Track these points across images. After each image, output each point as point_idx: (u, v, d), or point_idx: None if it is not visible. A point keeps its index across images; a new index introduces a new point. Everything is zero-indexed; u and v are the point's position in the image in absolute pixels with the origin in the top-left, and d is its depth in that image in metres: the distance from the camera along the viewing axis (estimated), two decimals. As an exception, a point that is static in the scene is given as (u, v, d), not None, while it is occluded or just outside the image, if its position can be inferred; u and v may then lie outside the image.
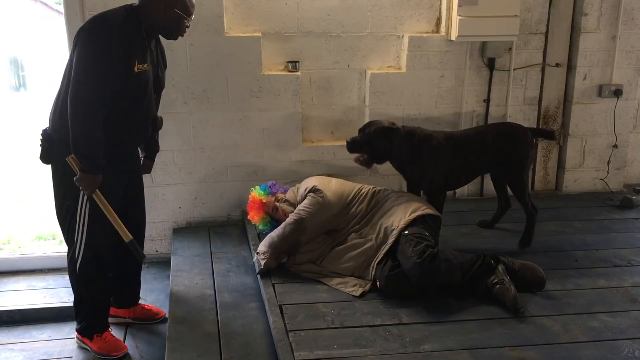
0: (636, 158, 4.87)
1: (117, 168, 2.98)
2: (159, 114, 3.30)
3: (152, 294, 3.78)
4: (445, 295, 3.02)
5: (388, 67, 4.31)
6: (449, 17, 4.17)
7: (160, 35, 3.05)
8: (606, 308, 2.97)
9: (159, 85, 3.17)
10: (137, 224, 3.25)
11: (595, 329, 2.79)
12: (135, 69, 2.83)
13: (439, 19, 4.27)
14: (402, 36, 4.25)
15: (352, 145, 3.51)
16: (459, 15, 4.04)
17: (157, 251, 4.25)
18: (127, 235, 2.95)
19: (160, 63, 3.13)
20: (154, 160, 3.41)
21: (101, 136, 2.77)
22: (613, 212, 4.30)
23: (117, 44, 2.75)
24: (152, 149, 3.36)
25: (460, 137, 3.61)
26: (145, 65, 2.90)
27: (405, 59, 4.24)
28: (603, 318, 2.88)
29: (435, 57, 4.25)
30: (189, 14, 2.93)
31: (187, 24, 2.96)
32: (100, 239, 3.00)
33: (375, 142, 3.43)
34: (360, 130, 3.53)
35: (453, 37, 4.12)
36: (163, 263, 4.14)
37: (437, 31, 4.28)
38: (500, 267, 3.03)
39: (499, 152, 3.55)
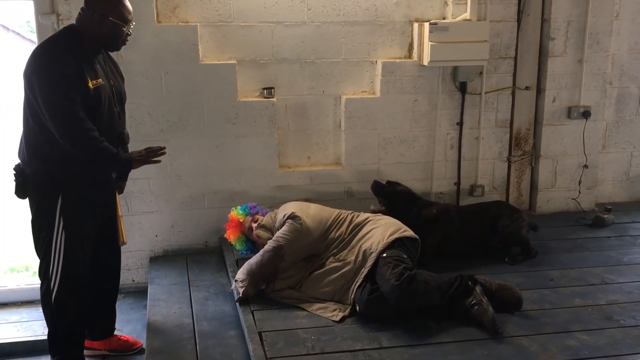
0: (606, 177, 4.98)
1: (93, 188, 2.98)
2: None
3: (128, 325, 3.72)
4: (424, 318, 3.04)
5: (362, 92, 4.37)
6: (420, 43, 4.25)
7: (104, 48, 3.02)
8: (582, 326, 3.01)
9: (120, 97, 3.08)
10: (112, 247, 3.26)
11: (573, 347, 2.82)
12: (90, 85, 2.80)
13: (411, 45, 4.35)
14: (376, 62, 4.32)
15: (376, 188, 3.92)
16: (430, 41, 4.13)
17: (133, 280, 4.19)
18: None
19: (115, 75, 3.09)
20: (125, 180, 3.36)
21: (104, 140, 2.82)
22: (586, 231, 4.38)
23: (66, 64, 2.74)
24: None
25: (467, 211, 4.00)
26: (100, 80, 2.86)
27: (379, 84, 4.30)
28: (580, 336, 2.91)
29: (409, 81, 4.33)
30: (124, 20, 2.88)
31: (127, 31, 2.92)
32: (75, 270, 2.96)
33: (397, 200, 3.85)
34: (389, 182, 3.98)
35: (425, 62, 4.20)
36: (140, 292, 4.08)
37: (410, 56, 4.36)
38: (478, 288, 3.06)
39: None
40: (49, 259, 2.93)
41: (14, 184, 2.92)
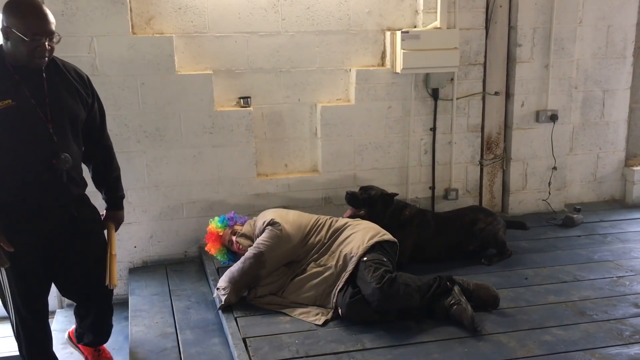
0: (574, 179, 5.14)
1: (20, 228, 2.69)
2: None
3: (110, 337, 3.70)
4: (405, 319, 3.10)
5: (337, 99, 4.44)
6: (393, 51, 4.35)
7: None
8: (557, 322, 3.11)
9: (59, 116, 2.69)
10: (83, 290, 3.00)
11: (549, 342, 2.91)
12: None
13: (383, 53, 4.44)
14: (350, 70, 4.40)
15: (351, 199, 3.91)
16: (403, 49, 4.22)
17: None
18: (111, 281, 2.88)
19: (62, 92, 2.72)
20: (118, 209, 3.08)
21: None
22: (557, 231, 4.51)
23: None
24: (110, 196, 3.05)
25: (443, 217, 4.09)
26: (8, 102, 2.56)
27: (353, 92, 4.38)
28: (555, 332, 3.01)
29: (382, 89, 4.41)
30: (26, 33, 2.50)
31: (38, 44, 2.53)
32: (27, 307, 2.82)
33: (373, 205, 3.87)
34: (362, 189, 3.97)
35: (398, 70, 4.30)
36: (120, 304, 4.04)
37: (383, 64, 4.45)
38: (456, 288, 3.14)
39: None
40: (3, 294, 2.81)
41: None
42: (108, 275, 2.89)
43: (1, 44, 2.67)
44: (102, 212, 3.08)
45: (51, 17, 2.58)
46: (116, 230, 3.07)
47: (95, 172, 3.02)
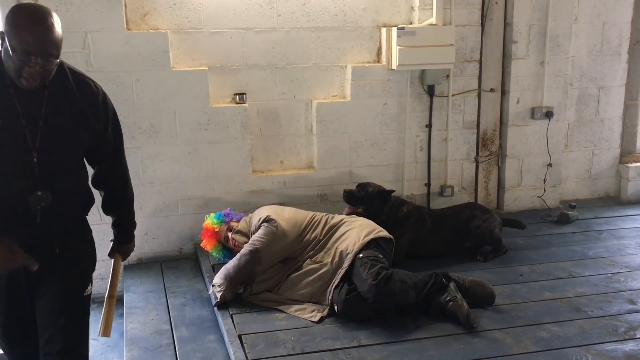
0: (569, 175, 5.15)
1: None
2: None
3: (105, 334, 3.69)
4: (401, 315, 3.10)
5: (333, 96, 4.43)
6: (388, 47, 4.34)
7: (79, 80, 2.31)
8: (553, 318, 3.12)
9: (49, 142, 2.22)
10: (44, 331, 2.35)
11: (545, 338, 2.92)
12: None
13: (379, 49, 4.43)
14: (345, 66, 4.39)
15: (349, 197, 3.89)
16: (398, 46, 4.21)
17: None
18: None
19: (60, 112, 2.25)
20: (129, 240, 2.65)
21: None
22: (552, 228, 4.52)
23: None
24: (120, 224, 2.61)
25: (439, 214, 4.08)
26: None
27: (349, 88, 4.37)
28: (551, 328, 3.02)
29: (378, 85, 4.41)
30: (16, 47, 2.06)
31: (27, 63, 2.07)
32: None
33: (371, 202, 3.86)
34: (359, 186, 3.95)
35: (394, 66, 4.29)
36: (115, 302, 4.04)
37: (379, 61, 4.44)
38: (452, 285, 3.14)
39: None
40: None
41: None
42: (102, 322, 2.49)
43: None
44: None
45: (55, 36, 2.10)
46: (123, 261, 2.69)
47: (106, 198, 2.58)
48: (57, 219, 2.31)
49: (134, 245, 2.71)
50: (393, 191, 3.99)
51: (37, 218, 2.24)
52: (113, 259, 2.63)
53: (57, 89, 2.24)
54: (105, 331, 2.49)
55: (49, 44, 2.09)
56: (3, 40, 2.12)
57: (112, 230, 2.63)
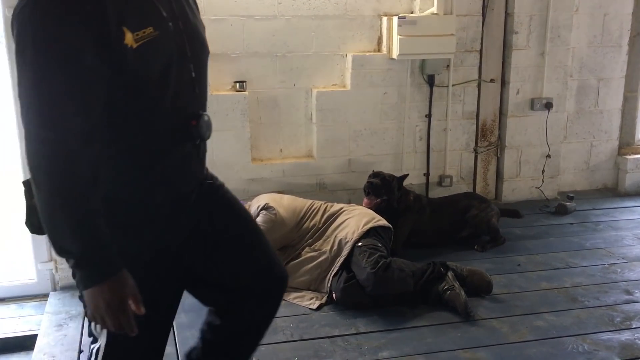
0: (568, 167, 5.16)
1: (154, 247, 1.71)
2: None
3: (103, 320, 3.71)
4: (399, 304, 3.12)
5: (333, 85, 4.42)
6: (389, 37, 4.33)
7: None
8: (549, 308, 3.14)
9: (201, 50, 1.80)
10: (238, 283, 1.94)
11: (541, 328, 2.94)
12: (130, 40, 1.51)
13: (380, 38, 4.42)
14: (346, 55, 4.38)
15: (375, 188, 3.76)
16: (399, 35, 4.21)
17: (106, 276, 4.17)
18: None
19: (189, 6, 1.80)
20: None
21: (98, 200, 1.51)
22: (549, 219, 4.54)
23: (77, 5, 1.44)
24: None
25: (438, 203, 4.10)
26: (150, 30, 1.55)
27: (349, 77, 4.36)
28: (547, 317, 3.04)
29: (378, 75, 4.40)
30: None
31: None
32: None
33: (393, 189, 3.81)
34: (374, 176, 3.86)
35: (394, 56, 4.28)
36: (113, 287, 4.06)
37: (379, 50, 4.43)
38: (450, 274, 3.16)
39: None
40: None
41: (24, 207, 1.70)
42: None
43: None
44: None
45: None
46: None
47: None
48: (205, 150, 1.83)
49: None
50: (407, 175, 4.03)
51: (200, 152, 1.79)
52: None
53: None
54: None
55: None
56: None
57: None
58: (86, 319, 1.75)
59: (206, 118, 1.74)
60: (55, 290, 4.08)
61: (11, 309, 3.54)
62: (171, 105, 1.64)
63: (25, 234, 3.70)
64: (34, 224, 1.65)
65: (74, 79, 1.45)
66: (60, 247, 1.49)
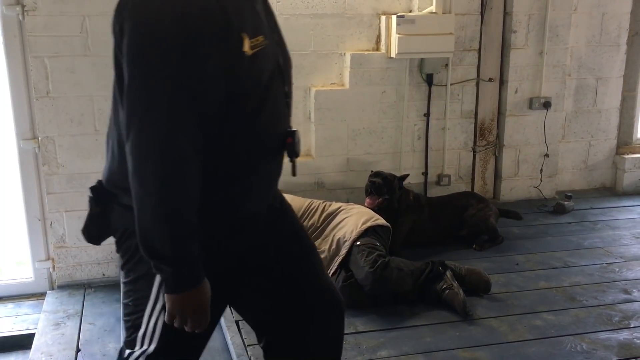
0: (566, 166, 5.16)
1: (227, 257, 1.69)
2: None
3: (101, 318, 3.69)
4: (397, 303, 3.12)
5: (332, 84, 4.42)
6: (388, 35, 4.32)
7: None
8: (548, 307, 3.14)
9: (289, 64, 1.74)
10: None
11: (540, 327, 2.94)
12: (247, 47, 1.47)
13: (378, 37, 4.42)
14: (344, 54, 4.37)
15: (377, 188, 3.74)
16: (398, 34, 4.20)
17: (103, 274, 4.13)
18: None
19: (275, 24, 1.74)
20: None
21: (194, 214, 1.48)
22: (548, 218, 4.54)
23: (212, 5, 1.43)
24: None
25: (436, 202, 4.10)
26: (261, 38, 1.53)
27: (348, 76, 4.36)
28: (546, 317, 3.04)
29: (377, 73, 4.39)
30: None
31: None
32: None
33: (395, 188, 3.80)
34: (375, 175, 3.85)
35: (393, 54, 4.28)
36: (111, 287, 4.03)
37: (378, 49, 4.43)
38: (449, 273, 3.16)
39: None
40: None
41: (86, 216, 1.67)
42: None
43: None
44: None
45: None
46: None
47: None
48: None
49: None
50: (407, 175, 4.03)
51: (281, 168, 1.77)
52: None
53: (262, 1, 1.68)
54: None
55: None
56: None
57: None
58: (122, 326, 1.73)
59: (298, 135, 1.72)
60: (52, 289, 4.07)
61: (8, 307, 3.54)
62: (269, 119, 1.61)
63: (23, 232, 3.70)
64: (92, 233, 1.67)
65: (195, 88, 1.42)
66: (155, 253, 1.47)
